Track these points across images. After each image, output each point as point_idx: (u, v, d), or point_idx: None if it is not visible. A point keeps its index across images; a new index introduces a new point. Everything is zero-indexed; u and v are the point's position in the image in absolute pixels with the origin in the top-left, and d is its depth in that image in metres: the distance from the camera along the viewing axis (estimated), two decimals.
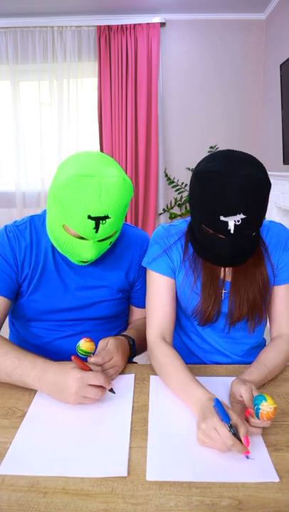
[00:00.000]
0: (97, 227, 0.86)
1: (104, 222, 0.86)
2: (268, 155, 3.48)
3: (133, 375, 0.96)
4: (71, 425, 0.78)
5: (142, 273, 1.13)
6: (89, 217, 0.84)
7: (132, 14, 3.64)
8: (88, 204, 0.84)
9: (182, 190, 3.96)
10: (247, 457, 0.70)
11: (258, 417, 0.73)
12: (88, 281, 1.06)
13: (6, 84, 3.87)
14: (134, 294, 1.16)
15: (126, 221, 4.17)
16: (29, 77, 3.84)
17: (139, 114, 3.81)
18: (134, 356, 1.05)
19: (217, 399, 0.74)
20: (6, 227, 1.05)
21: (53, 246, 1.04)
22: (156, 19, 3.66)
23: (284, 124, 2.82)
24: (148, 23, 3.66)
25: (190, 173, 3.81)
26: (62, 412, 0.82)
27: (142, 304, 1.16)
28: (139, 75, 3.75)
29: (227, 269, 1.00)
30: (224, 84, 3.81)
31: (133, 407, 0.84)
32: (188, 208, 3.97)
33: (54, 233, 0.95)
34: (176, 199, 3.98)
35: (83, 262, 0.99)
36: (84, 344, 0.90)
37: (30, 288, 1.03)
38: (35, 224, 1.06)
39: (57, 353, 1.07)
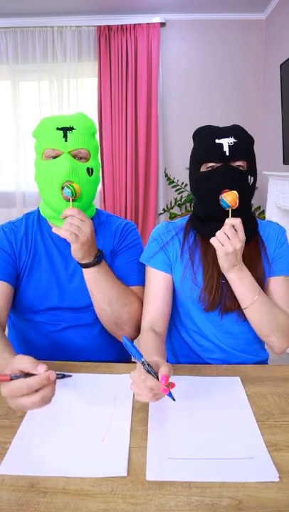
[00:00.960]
0: (65, 136, 0.99)
1: (71, 132, 1.00)
2: (268, 155, 3.48)
3: None
4: (71, 425, 0.78)
5: (120, 248, 1.13)
6: (57, 128, 1.00)
7: (132, 14, 3.65)
8: (55, 119, 1.02)
9: (182, 190, 3.96)
10: (170, 396, 0.69)
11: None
12: (77, 267, 1.09)
13: (6, 84, 3.87)
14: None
15: None
16: (29, 77, 3.85)
17: (139, 114, 3.81)
18: (99, 261, 1.00)
19: (125, 336, 0.78)
20: (1, 226, 1.14)
21: (41, 229, 1.12)
22: (156, 19, 3.66)
23: (284, 124, 2.82)
24: (148, 23, 3.66)
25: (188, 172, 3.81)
26: (62, 412, 0.82)
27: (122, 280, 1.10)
28: (139, 75, 3.75)
29: None
30: (224, 84, 3.81)
31: (133, 407, 0.84)
32: (188, 207, 3.98)
33: (39, 176, 1.03)
34: (176, 199, 3.98)
35: (66, 198, 0.97)
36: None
37: (26, 275, 1.08)
38: (30, 218, 1.15)
39: (53, 347, 1.09)
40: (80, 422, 0.79)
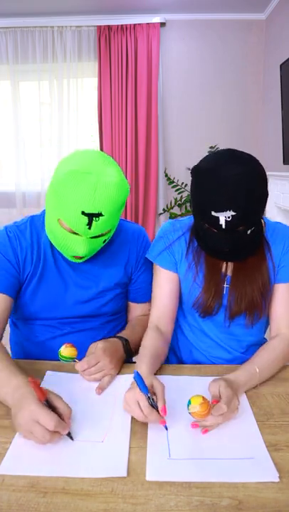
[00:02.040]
0: (90, 224, 0.87)
1: (97, 219, 0.87)
2: (268, 155, 3.48)
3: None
4: (71, 425, 0.78)
5: (139, 267, 1.13)
6: (82, 213, 0.86)
7: (132, 14, 3.65)
8: (83, 200, 0.85)
9: (182, 190, 3.96)
10: (165, 428, 0.75)
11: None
12: (87, 278, 1.07)
13: (6, 84, 3.87)
14: (131, 288, 1.16)
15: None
16: (29, 77, 3.85)
17: (139, 114, 3.81)
18: (131, 356, 1.04)
19: (136, 371, 0.79)
20: (6, 227, 1.06)
21: (52, 244, 1.05)
22: (156, 19, 3.66)
23: (284, 124, 2.82)
24: (148, 23, 3.66)
25: (190, 173, 3.81)
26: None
27: (140, 299, 1.16)
28: (139, 75, 3.75)
29: (229, 263, 1.02)
30: (224, 84, 3.81)
31: None
32: (188, 208, 3.97)
33: (50, 226, 0.97)
34: (176, 199, 3.98)
35: (76, 258, 0.98)
36: (65, 350, 0.89)
37: (32, 286, 1.04)
38: (35, 224, 1.08)
39: (56, 351, 1.07)
40: (80, 422, 0.79)
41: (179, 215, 4.00)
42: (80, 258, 0.98)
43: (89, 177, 0.85)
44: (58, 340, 1.08)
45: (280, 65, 2.81)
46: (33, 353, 1.10)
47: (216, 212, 0.83)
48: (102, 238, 0.95)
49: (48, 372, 0.96)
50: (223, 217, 0.83)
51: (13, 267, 1.02)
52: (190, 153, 3.87)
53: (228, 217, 0.82)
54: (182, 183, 3.96)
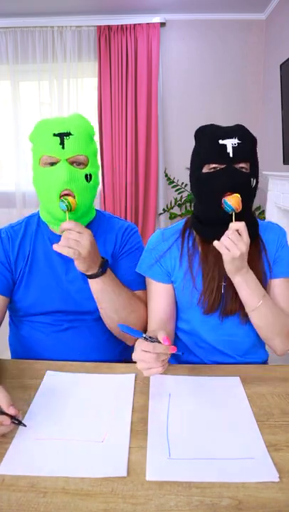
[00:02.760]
0: (62, 143, 0.96)
1: (68, 138, 0.97)
2: (268, 155, 3.48)
3: (133, 375, 0.96)
4: (71, 425, 0.78)
5: (122, 253, 1.12)
6: (54, 134, 0.96)
7: (132, 14, 3.65)
8: (52, 123, 0.98)
9: (182, 190, 3.96)
10: (179, 353, 0.84)
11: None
12: (77, 270, 1.05)
13: (6, 84, 3.87)
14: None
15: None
16: (29, 77, 3.85)
17: (139, 114, 3.81)
18: (103, 272, 0.99)
19: (120, 324, 0.85)
20: (0, 230, 1.12)
21: (44, 240, 1.09)
22: (156, 19, 3.66)
23: (284, 124, 2.82)
24: (148, 23, 3.66)
25: (189, 172, 3.81)
26: (62, 412, 0.82)
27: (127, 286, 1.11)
28: (139, 75, 3.75)
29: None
30: (224, 84, 3.81)
31: (133, 407, 0.84)
32: (188, 208, 3.98)
33: (37, 183, 1.01)
34: (176, 199, 3.98)
35: (64, 196, 0.96)
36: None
37: (24, 280, 1.07)
38: (30, 221, 1.13)
39: (55, 348, 1.08)
40: (80, 422, 0.79)
41: (179, 215, 4.00)
42: (67, 208, 0.95)
43: (55, 117, 1.02)
44: (57, 336, 1.08)
45: (280, 65, 2.81)
46: (32, 352, 1.10)
47: (223, 140, 0.93)
48: (82, 172, 0.98)
49: (48, 372, 0.96)
50: (230, 144, 0.93)
51: (5, 268, 1.06)
52: (190, 153, 3.85)
53: (235, 144, 0.92)
54: (182, 183, 3.96)
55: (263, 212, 3.55)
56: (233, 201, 0.90)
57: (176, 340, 1.16)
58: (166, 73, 3.82)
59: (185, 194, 3.98)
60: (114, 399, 0.87)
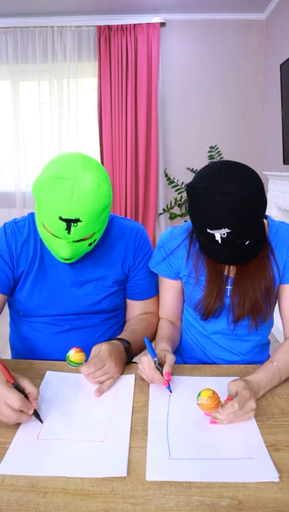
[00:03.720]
0: (68, 229, 0.89)
1: (75, 225, 0.88)
2: (268, 155, 3.48)
3: (133, 375, 0.96)
4: (71, 425, 0.78)
5: (136, 264, 1.13)
6: (60, 218, 0.87)
7: (132, 14, 3.64)
8: (59, 206, 0.86)
9: (182, 190, 3.96)
10: (168, 389, 0.88)
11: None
12: (84, 275, 1.08)
13: (6, 84, 3.87)
14: (128, 285, 1.15)
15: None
16: (29, 77, 3.84)
17: (139, 114, 3.81)
18: (132, 358, 1.04)
19: (145, 337, 0.94)
20: (5, 224, 1.09)
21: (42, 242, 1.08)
22: (156, 19, 3.66)
23: (284, 124, 2.82)
24: (148, 23, 3.66)
25: (190, 173, 3.82)
26: (62, 412, 0.82)
27: (137, 297, 1.16)
28: (139, 75, 3.75)
29: (232, 268, 1.02)
30: (224, 84, 3.81)
31: (133, 407, 0.84)
32: (188, 208, 3.97)
33: (38, 228, 0.99)
34: (176, 199, 3.98)
35: (65, 259, 0.99)
36: (74, 355, 0.88)
37: (29, 282, 1.06)
38: (34, 220, 1.08)
39: (56, 348, 1.08)
40: (80, 422, 0.79)
41: (179, 215, 4.00)
42: (68, 259, 0.99)
43: (65, 183, 0.86)
44: (58, 337, 1.08)
45: (280, 65, 2.81)
46: (33, 352, 1.11)
47: (211, 230, 0.84)
48: (87, 242, 0.95)
49: (48, 372, 0.96)
50: (218, 234, 0.84)
51: (6, 265, 1.04)
52: (190, 153, 3.87)
53: (224, 234, 0.84)
54: (182, 183, 3.95)
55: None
56: (205, 401, 0.78)
57: (182, 333, 1.17)
58: (166, 73, 3.82)
59: (185, 194, 3.97)
60: (114, 399, 0.87)
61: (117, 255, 1.11)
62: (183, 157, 3.89)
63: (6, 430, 0.76)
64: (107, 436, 0.75)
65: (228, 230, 0.82)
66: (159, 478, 0.66)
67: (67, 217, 0.87)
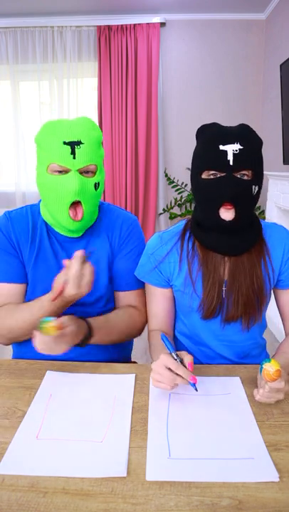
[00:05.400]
0: (73, 152, 0.94)
1: (79, 147, 0.94)
2: (268, 155, 3.47)
3: (133, 375, 0.96)
4: (71, 425, 0.78)
5: (121, 251, 1.12)
6: (64, 143, 0.93)
7: (132, 14, 3.65)
8: (61, 130, 0.95)
9: (182, 190, 3.96)
10: (194, 386, 0.81)
11: (260, 374, 0.80)
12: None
13: (6, 84, 3.87)
14: (113, 274, 1.14)
15: None
16: (29, 77, 3.85)
17: (139, 114, 3.81)
18: (89, 337, 0.99)
19: (163, 333, 0.90)
20: (5, 212, 1.12)
21: (47, 227, 1.09)
22: (156, 19, 3.66)
23: (284, 124, 2.82)
24: (148, 23, 3.66)
25: (190, 173, 3.82)
26: (62, 412, 0.82)
27: (122, 287, 1.14)
28: (139, 75, 3.75)
29: (226, 267, 1.00)
30: (224, 84, 3.81)
31: (133, 407, 0.84)
32: (188, 208, 3.97)
33: (43, 188, 1.00)
34: (176, 199, 3.98)
35: (75, 218, 0.99)
36: (49, 327, 0.87)
37: (31, 269, 1.07)
38: (33, 210, 1.12)
39: None
40: (80, 422, 0.79)
41: (179, 215, 4.00)
42: (77, 218, 0.98)
43: (63, 120, 0.99)
44: None
45: (280, 65, 2.81)
46: (33, 351, 1.10)
47: (223, 145, 0.86)
48: (92, 180, 0.98)
49: (48, 372, 0.96)
50: (231, 151, 0.85)
51: (12, 256, 1.07)
52: (190, 153, 3.83)
53: (236, 150, 0.85)
54: (182, 183, 3.96)
55: (263, 212, 3.55)
56: (271, 369, 0.79)
57: (175, 342, 1.15)
58: (166, 73, 3.82)
59: (185, 194, 3.98)
60: (114, 399, 0.87)
61: (108, 241, 1.11)
62: (183, 157, 3.89)
63: (6, 430, 0.76)
64: (107, 436, 0.75)
65: (241, 147, 0.85)
66: (159, 478, 0.66)
67: (70, 140, 0.93)
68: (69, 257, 1.07)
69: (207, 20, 3.68)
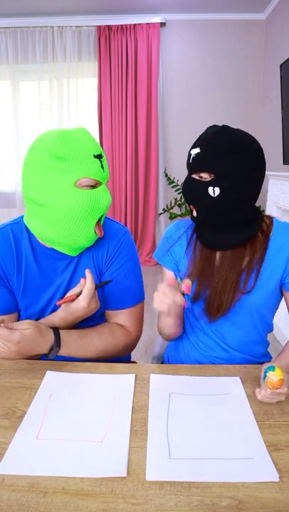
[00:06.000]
0: (102, 165, 0.93)
1: (103, 160, 0.94)
2: (268, 155, 3.47)
3: (133, 375, 0.96)
4: (71, 425, 0.78)
5: (109, 265, 1.07)
6: (94, 156, 0.91)
7: (132, 14, 3.65)
8: (87, 144, 0.91)
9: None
10: (187, 298, 0.91)
11: (264, 381, 0.82)
12: (73, 273, 1.05)
13: (6, 84, 3.88)
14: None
15: (126, 221, 4.18)
16: (29, 77, 3.85)
17: (139, 114, 3.81)
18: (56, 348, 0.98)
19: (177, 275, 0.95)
20: None
21: (31, 243, 1.03)
22: (156, 19, 3.66)
23: (284, 124, 2.83)
24: (148, 23, 3.67)
25: None
26: (62, 412, 0.82)
27: (109, 305, 1.09)
28: (139, 75, 3.75)
29: (218, 257, 1.03)
30: (224, 84, 3.81)
31: (133, 407, 0.84)
32: (188, 208, 3.97)
33: (62, 202, 0.91)
34: (176, 199, 3.98)
35: (97, 230, 0.96)
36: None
37: (20, 294, 1.04)
38: (14, 229, 1.04)
39: None
40: (80, 422, 0.79)
41: (179, 215, 4.00)
42: (102, 234, 0.98)
43: (74, 130, 0.92)
44: None
45: (280, 65, 2.81)
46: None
47: (192, 149, 0.93)
48: (107, 190, 0.98)
49: (48, 372, 0.96)
50: (193, 154, 0.93)
51: (2, 286, 1.02)
52: None
53: (194, 155, 0.93)
54: (182, 183, 3.96)
55: (263, 212, 3.55)
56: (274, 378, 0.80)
57: (181, 336, 1.17)
58: (166, 73, 3.82)
59: None
60: (114, 399, 0.87)
61: (98, 254, 1.07)
62: (183, 157, 3.87)
63: (6, 430, 0.76)
64: (107, 436, 0.75)
65: (199, 151, 0.91)
66: (159, 478, 0.66)
67: (97, 153, 0.92)
68: (57, 273, 1.04)
69: (207, 20, 3.68)
